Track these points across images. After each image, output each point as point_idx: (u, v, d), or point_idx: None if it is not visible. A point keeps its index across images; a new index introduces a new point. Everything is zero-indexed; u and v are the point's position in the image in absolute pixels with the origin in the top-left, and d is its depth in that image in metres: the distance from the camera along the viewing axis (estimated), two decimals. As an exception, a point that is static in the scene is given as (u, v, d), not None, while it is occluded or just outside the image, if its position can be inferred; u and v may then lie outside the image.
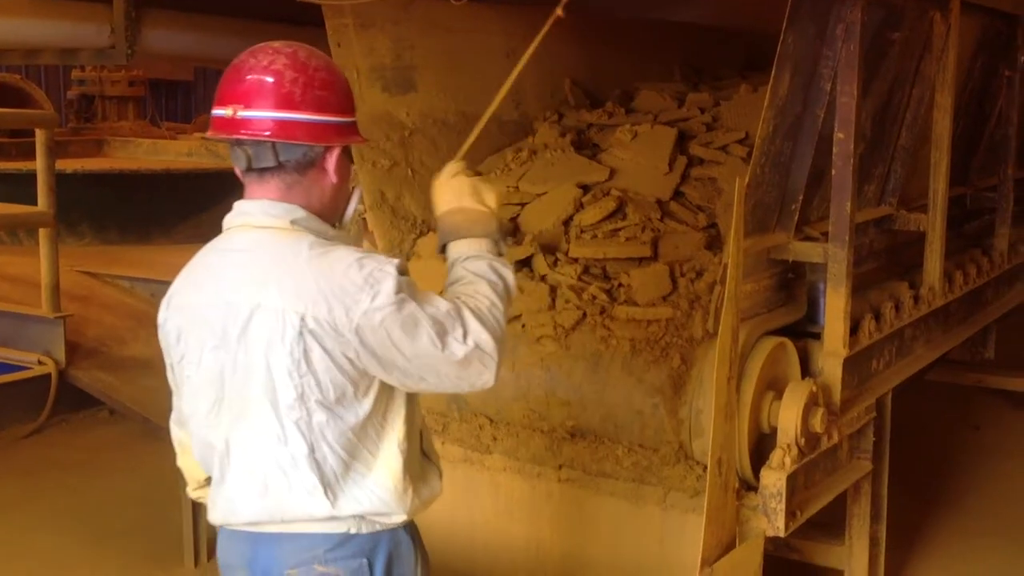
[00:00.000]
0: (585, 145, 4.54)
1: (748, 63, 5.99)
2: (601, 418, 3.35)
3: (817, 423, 3.18)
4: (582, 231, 3.88)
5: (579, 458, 3.34)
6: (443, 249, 2.22)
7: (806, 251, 3.42)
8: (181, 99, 14.56)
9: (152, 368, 6.26)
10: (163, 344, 2.13)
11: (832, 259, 3.34)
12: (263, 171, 2.02)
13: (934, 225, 4.16)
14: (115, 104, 9.45)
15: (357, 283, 1.92)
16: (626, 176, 4.17)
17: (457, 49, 4.18)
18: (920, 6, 3.86)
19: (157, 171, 8.23)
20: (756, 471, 3.16)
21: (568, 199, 3.99)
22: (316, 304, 1.91)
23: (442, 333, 1.96)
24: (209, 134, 2.09)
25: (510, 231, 3.85)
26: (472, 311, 2.01)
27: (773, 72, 3.12)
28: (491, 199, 2.26)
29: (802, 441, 3.15)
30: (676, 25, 5.61)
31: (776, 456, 3.11)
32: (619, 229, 3.84)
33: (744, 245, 3.10)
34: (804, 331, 3.54)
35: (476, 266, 2.14)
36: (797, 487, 3.16)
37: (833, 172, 3.33)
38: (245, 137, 1.99)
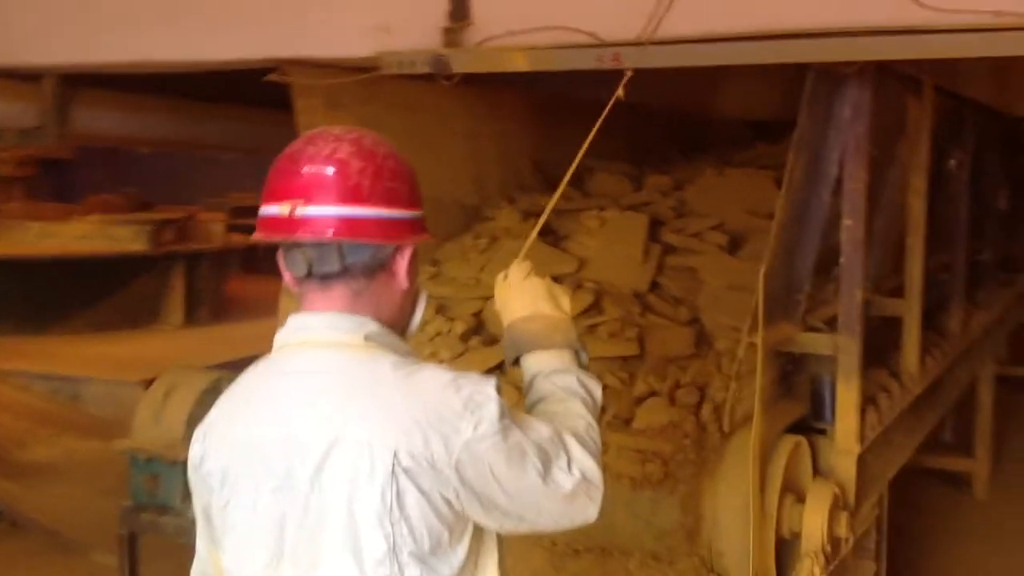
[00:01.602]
0: (544, 231, 4.34)
1: (689, 144, 5.91)
2: (606, 529, 3.09)
3: (842, 528, 2.99)
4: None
5: (585, 575, 3.07)
6: (516, 360, 1.96)
7: (814, 343, 3.25)
8: (62, 178, 13.87)
9: (59, 474, 5.80)
10: (198, 487, 1.78)
11: (843, 351, 3.18)
12: (325, 277, 1.72)
13: (911, 310, 4.06)
14: (2, 185, 8.88)
15: (456, 409, 1.62)
16: (598, 266, 3.98)
17: (422, 129, 3.96)
18: (895, 88, 3.78)
19: (51, 256, 7.71)
20: (777, 581, 2.95)
21: None
22: (410, 436, 1.60)
23: (547, 463, 1.68)
24: (258, 236, 1.76)
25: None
26: (574, 436, 1.74)
27: (790, 156, 2.97)
28: (567, 304, 2.01)
29: (828, 548, 2.94)
30: (622, 105, 5.49)
31: (805, 567, 2.89)
32: (598, 325, 3.63)
33: (753, 338, 2.92)
34: (807, 426, 3.36)
35: (565, 381, 1.87)
36: (824, 598, 2.96)
37: (842, 260, 3.18)
38: (306, 239, 1.70)
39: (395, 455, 1.59)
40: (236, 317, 8.50)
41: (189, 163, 12.48)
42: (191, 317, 8.00)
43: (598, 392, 1.90)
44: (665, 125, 5.90)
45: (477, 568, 1.71)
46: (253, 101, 4.56)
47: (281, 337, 1.77)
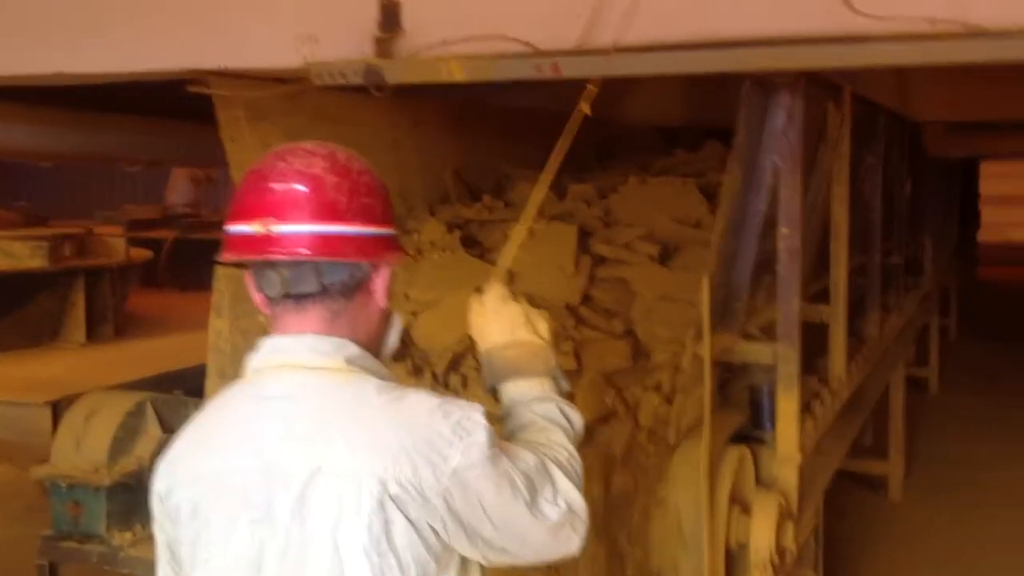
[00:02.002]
0: (469, 243, 4.28)
1: (602, 151, 5.91)
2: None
3: (789, 539, 2.98)
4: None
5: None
6: (494, 389, 1.89)
7: (755, 352, 3.24)
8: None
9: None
10: (163, 520, 1.68)
11: (782, 360, 3.18)
12: (301, 298, 1.65)
13: (836, 316, 4.10)
14: None
15: (445, 436, 1.56)
16: (528, 279, 3.91)
17: (346, 140, 3.85)
18: (818, 95, 3.82)
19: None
20: (723, 594, 2.93)
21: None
22: (398, 464, 1.52)
23: (534, 493, 1.62)
24: (227, 256, 1.68)
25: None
26: (558, 466, 1.69)
27: (729, 165, 2.96)
28: (545, 329, 1.96)
29: (776, 559, 2.94)
30: (536, 111, 5.47)
31: (753, 578, 2.88)
32: None
33: (698, 349, 2.91)
34: (746, 435, 3.35)
35: (546, 410, 1.82)
36: (772, 609, 2.95)
37: (779, 268, 3.18)
38: (280, 258, 1.62)
39: (383, 484, 1.52)
40: (139, 334, 8.27)
41: (83, 176, 12.13)
42: (94, 334, 7.72)
43: (579, 421, 1.86)
44: (578, 132, 5.87)
45: None
46: (170, 113, 4.42)
47: (255, 361, 1.69)
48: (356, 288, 1.68)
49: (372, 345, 1.72)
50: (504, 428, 1.83)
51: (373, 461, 1.53)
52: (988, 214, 15.72)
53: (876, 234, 5.13)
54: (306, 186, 1.62)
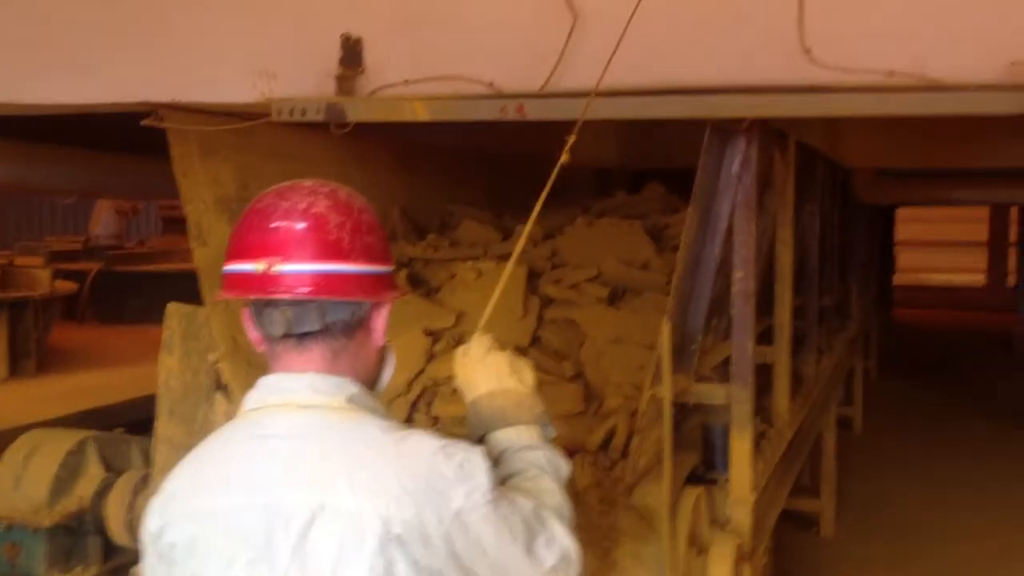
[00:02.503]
0: (415, 282, 4.26)
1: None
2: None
3: (744, 578, 3.01)
4: (437, 385, 3.57)
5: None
6: (481, 439, 1.89)
7: (708, 393, 3.27)
8: None
9: None
10: (154, 561, 1.64)
11: (735, 400, 3.22)
12: (303, 337, 1.64)
13: (780, 357, 4.17)
14: None
15: (447, 477, 1.55)
16: (476, 320, 3.91)
17: (298, 176, 3.82)
18: (766, 142, 3.89)
19: None
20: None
21: (418, 350, 3.67)
22: (401, 504, 1.51)
23: (530, 538, 1.62)
24: (226, 295, 1.67)
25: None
26: (552, 512, 1.69)
27: (689, 209, 3.00)
28: (530, 377, 1.97)
29: (732, 601, 2.96)
30: (480, 152, 5.51)
31: (711, 622, 2.90)
32: None
33: (657, 391, 2.93)
34: (698, 476, 3.38)
35: (535, 457, 1.83)
36: (729, 652, 2.96)
37: (734, 311, 3.23)
38: (285, 296, 1.61)
39: (386, 524, 1.51)
40: (63, 368, 8.04)
41: (0, 206, 11.82)
42: (16, 369, 7.51)
43: (565, 469, 1.86)
44: (518, 171, 5.92)
45: None
46: (113, 146, 4.34)
47: (253, 400, 1.67)
48: (357, 326, 1.68)
49: (369, 382, 1.72)
50: (495, 476, 1.83)
51: (376, 501, 1.52)
52: (903, 258, 16.21)
53: (814, 277, 5.24)
54: (309, 225, 1.62)
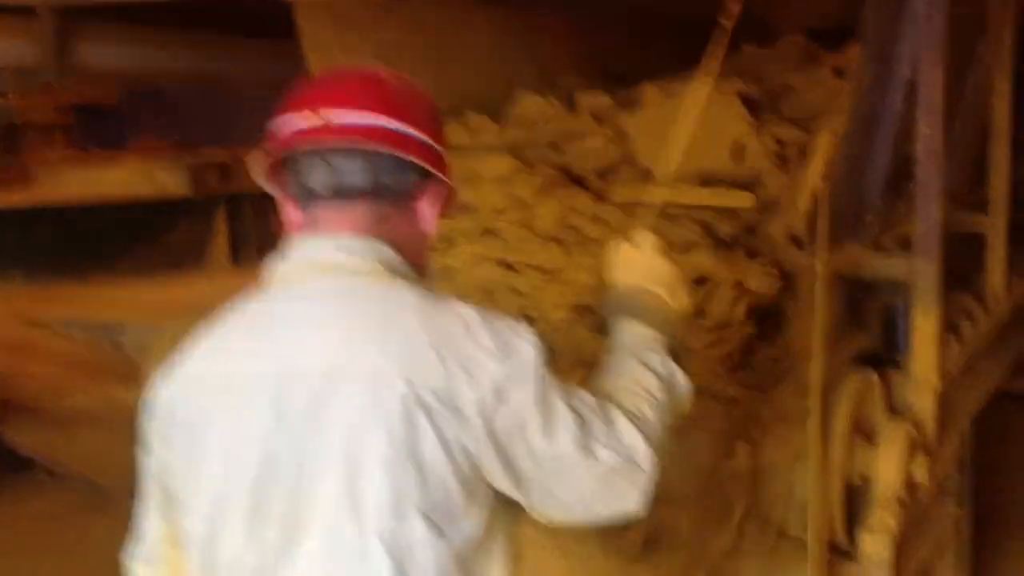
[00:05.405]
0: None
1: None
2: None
3: (921, 472, 2.67)
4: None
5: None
6: (604, 322, 1.72)
7: (887, 267, 2.90)
8: (106, 124, 13.63)
9: (99, 422, 5.63)
10: (156, 440, 1.53)
11: (919, 276, 2.83)
12: (348, 194, 1.51)
13: (995, 227, 3.70)
14: (40, 132, 8.69)
15: (488, 348, 1.39)
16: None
17: (449, 53, 3.64)
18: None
19: (92, 202, 7.52)
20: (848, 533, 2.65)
21: None
22: (429, 367, 1.36)
23: (586, 431, 1.43)
24: (273, 153, 1.55)
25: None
26: (628, 411, 1.49)
27: (858, 56, 2.62)
28: (686, 301, 1.77)
29: (904, 495, 2.63)
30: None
31: (877, 517, 2.59)
32: None
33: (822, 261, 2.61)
34: (879, 359, 3.03)
35: (649, 357, 1.62)
36: (902, 551, 2.65)
37: (918, 173, 2.82)
38: (343, 144, 1.49)
39: (412, 388, 1.35)
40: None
41: (234, 103, 12.24)
42: (237, 258, 7.82)
43: (685, 386, 1.64)
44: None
45: (490, 555, 1.44)
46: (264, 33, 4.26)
47: (278, 263, 1.55)
48: (406, 198, 1.55)
49: (415, 266, 1.57)
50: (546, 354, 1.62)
51: (400, 362, 1.37)
52: None
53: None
54: (369, 81, 1.55)
